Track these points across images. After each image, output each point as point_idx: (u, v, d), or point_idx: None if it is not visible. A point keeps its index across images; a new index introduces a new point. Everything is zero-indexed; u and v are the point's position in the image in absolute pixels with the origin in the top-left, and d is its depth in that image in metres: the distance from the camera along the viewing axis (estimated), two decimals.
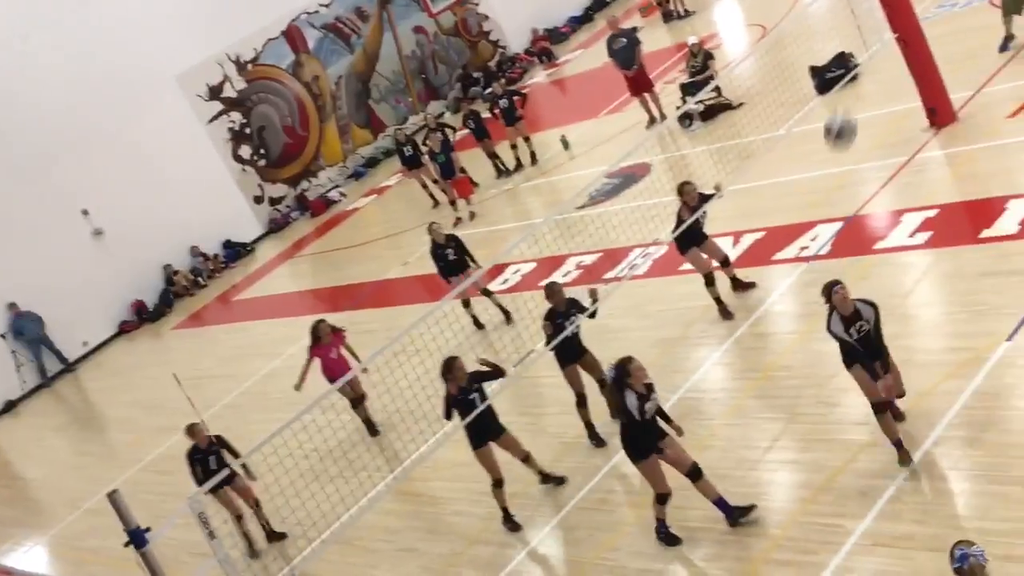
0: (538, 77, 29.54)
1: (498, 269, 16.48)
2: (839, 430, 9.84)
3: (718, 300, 12.64)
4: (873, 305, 9.13)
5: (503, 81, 24.59)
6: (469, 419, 10.18)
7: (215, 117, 27.07)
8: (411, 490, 12.04)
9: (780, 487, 9.68)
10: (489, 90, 26.50)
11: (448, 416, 10.52)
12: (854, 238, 12.94)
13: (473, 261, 15.04)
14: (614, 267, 15.18)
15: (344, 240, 24.00)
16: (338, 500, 10.94)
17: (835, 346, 11.08)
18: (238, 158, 27.43)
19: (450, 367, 10.41)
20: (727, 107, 18.92)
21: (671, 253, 14.42)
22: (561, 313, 11.11)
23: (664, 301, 13.70)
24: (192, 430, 12.28)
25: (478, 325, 15.16)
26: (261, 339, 20.17)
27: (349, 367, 13.30)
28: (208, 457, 12.01)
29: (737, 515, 9.21)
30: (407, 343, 11.08)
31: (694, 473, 9.23)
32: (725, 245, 14.33)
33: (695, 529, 9.45)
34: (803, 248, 13.25)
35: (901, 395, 9.34)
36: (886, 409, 9.02)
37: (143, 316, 25.25)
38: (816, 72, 17.36)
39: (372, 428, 13.67)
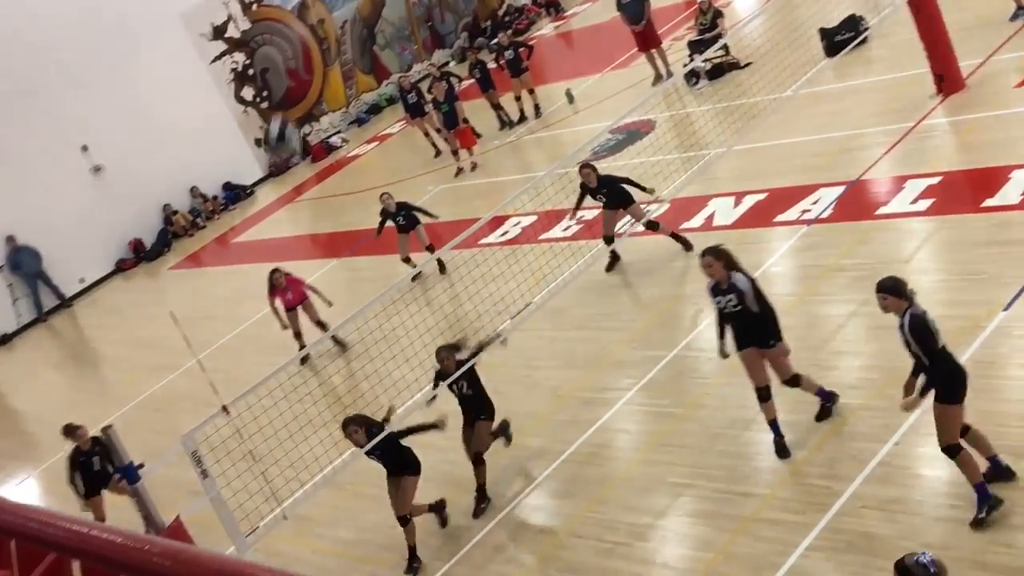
0: (545, 29, 29.32)
1: (498, 221, 16.44)
2: None
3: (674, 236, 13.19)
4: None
5: (509, 32, 24.43)
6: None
7: (218, 57, 26.88)
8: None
9: (772, 447, 9.70)
10: (495, 41, 26.31)
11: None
12: (856, 202, 12.91)
13: (428, 214, 16.14)
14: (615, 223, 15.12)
15: (345, 186, 23.93)
16: (331, 444, 10.99)
17: (833, 309, 11.15)
18: (240, 99, 27.27)
19: (345, 431, 10.05)
20: (734, 66, 18.80)
21: (672, 210, 14.42)
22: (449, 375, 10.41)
23: (663, 259, 13.68)
24: (72, 432, 12.38)
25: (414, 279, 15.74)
26: (258, 282, 20.02)
27: (305, 299, 15.01)
28: (91, 459, 12.12)
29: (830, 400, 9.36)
30: (405, 291, 11.07)
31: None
32: (726, 205, 14.34)
33: (685, 486, 9.51)
34: (804, 211, 13.22)
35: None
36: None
37: (140, 255, 25.24)
38: (825, 34, 17.23)
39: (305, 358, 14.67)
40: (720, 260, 9.13)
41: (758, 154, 15.11)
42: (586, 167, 13.58)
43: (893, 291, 7.68)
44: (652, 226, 13.59)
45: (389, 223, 16.35)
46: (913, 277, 11.16)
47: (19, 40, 23.55)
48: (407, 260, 16.11)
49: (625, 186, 13.45)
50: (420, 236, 16.01)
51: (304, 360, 14.57)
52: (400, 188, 21.47)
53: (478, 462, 10.49)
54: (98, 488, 11.98)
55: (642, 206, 13.50)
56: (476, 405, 10.55)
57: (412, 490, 10.12)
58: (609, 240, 13.72)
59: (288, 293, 15.10)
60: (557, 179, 15.46)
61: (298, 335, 15.02)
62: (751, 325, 9.13)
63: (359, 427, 9.91)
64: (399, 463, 10.11)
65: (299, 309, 15.12)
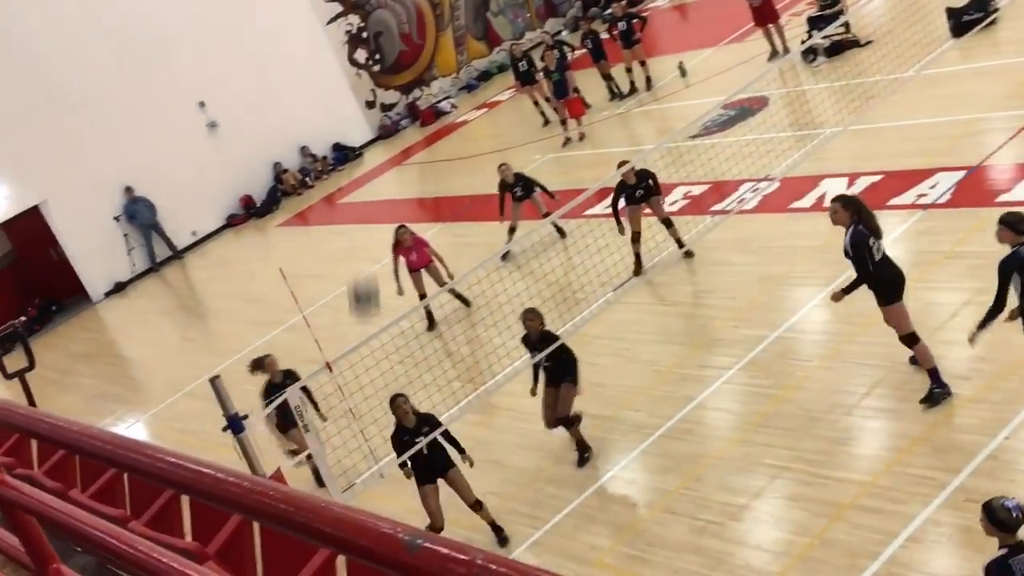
0: (660, 1, 28.97)
1: (605, 192, 16.35)
2: None
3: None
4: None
5: (624, 3, 24.15)
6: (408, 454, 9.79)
7: (334, 19, 27.17)
8: (502, 404, 12.16)
9: (874, 434, 9.53)
10: (609, 11, 26.07)
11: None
12: (976, 189, 12.52)
13: (544, 189, 15.80)
14: (722, 200, 14.95)
15: (452, 152, 24.04)
16: (429, 407, 11.10)
17: (945, 297, 10.85)
18: (353, 62, 27.54)
19: (393, 403, 9.91)
20: (854, 44, 18.33)
21: (782, 189, 14.18)
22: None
23: (770, 238, 13.47)
24: (260, 364, 11.88)
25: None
26: (363, 243, 20.42)
27: (430, 262, 14.46)
28: (284, 391, 11.72)
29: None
30: (509, 259, 11.09)
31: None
32: (839, 186, 14.03)
33: (782, 468, 9.39)
34: (921, 195, 12.86)
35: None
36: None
37: (250, 211, 25.74)
38: (952, 14, 16.69)
39: (431, 322, 14.48)
40: (847, 209, 9.20)
41: (875, 135, 14.74)
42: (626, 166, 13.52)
43: (1011, 226, 8.26)
44: (668, 223, 13.61)
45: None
46: None
47: None
48: (513, 230, 15.95)
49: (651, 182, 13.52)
50: (537, 204, 15.79)
51: (430, 326, 14.46)
52: (508, 156, 21.49)
53: (571, 423, 10.50)
54: (294, 420, 11.43)
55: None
56: (560, 369, 10.55)
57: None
58: (636, 237, 13.64)
59: (412, 253, 14.65)
60: (666, 152, 15.35)
61: (423, 296, 14.37)
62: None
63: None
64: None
65: (423, 272, 14.64)
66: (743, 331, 11.73)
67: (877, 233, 9.25)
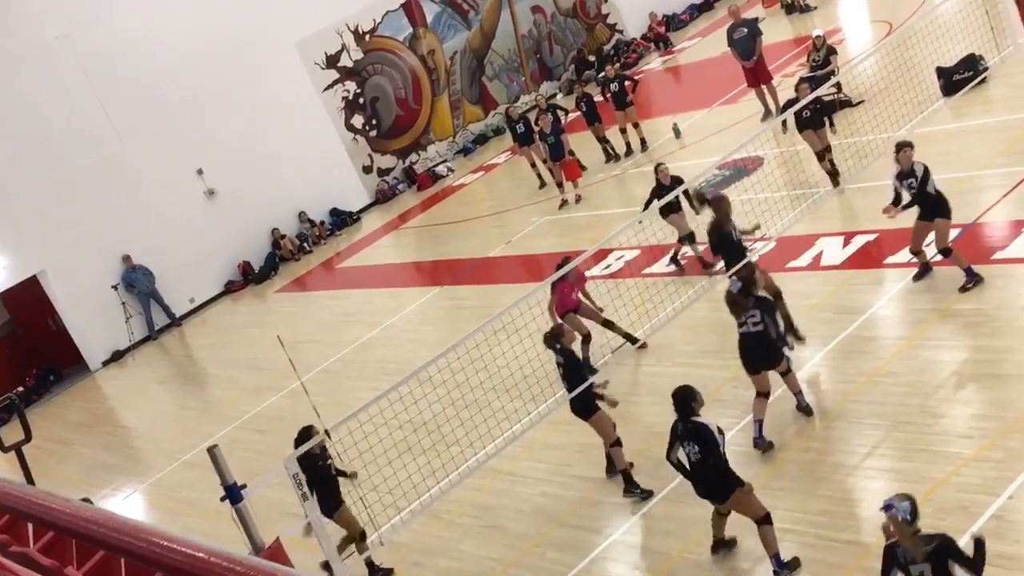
0: (653, 63, 29.28)
1: (602, 254, 16.40)
2: (943, 441, 9.58)
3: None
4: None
5: (617, 65, 24.46)
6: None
7: (331, 85, 27.42)
8: (501, 468, 12.08)
9: (877, 495, 9.41)
10: (602, 73, 26.36)
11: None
12: (971, 246, 12.54)
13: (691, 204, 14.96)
14: (719, 260, 14.94)
15: (449, 215, 24.14)
16: (429, 472, 11.04)
17: (944, 355, 10.83)
18: (350, 127, 27.76)
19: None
20: (847, 104, 18.50)
21: (779, 248, 14.21)
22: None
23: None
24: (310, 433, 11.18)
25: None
26: (361, 307, 20.43)
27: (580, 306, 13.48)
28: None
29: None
30: (507, 321, 11.11)
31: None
32: (835, 245, 14.08)
33: (785, 531, 9.30)
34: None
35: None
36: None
37: (249, 277, 25.78)
38: (943, 73, 16.86)
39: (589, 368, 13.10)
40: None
41: (869, 193, 14.78)
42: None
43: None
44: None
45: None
46: None
47: (144, 66, 24.33)
48: (688, 239, 15.12)
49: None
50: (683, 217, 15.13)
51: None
52: (504, 218, 21.63)
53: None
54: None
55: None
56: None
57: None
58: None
59: (575, 293, 13.47)
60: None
61: (587, 338, 13.46)
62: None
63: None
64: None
65: (575, 315, 13.49)
66: (743, 391, 11.68)
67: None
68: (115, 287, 24.22)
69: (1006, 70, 15.63)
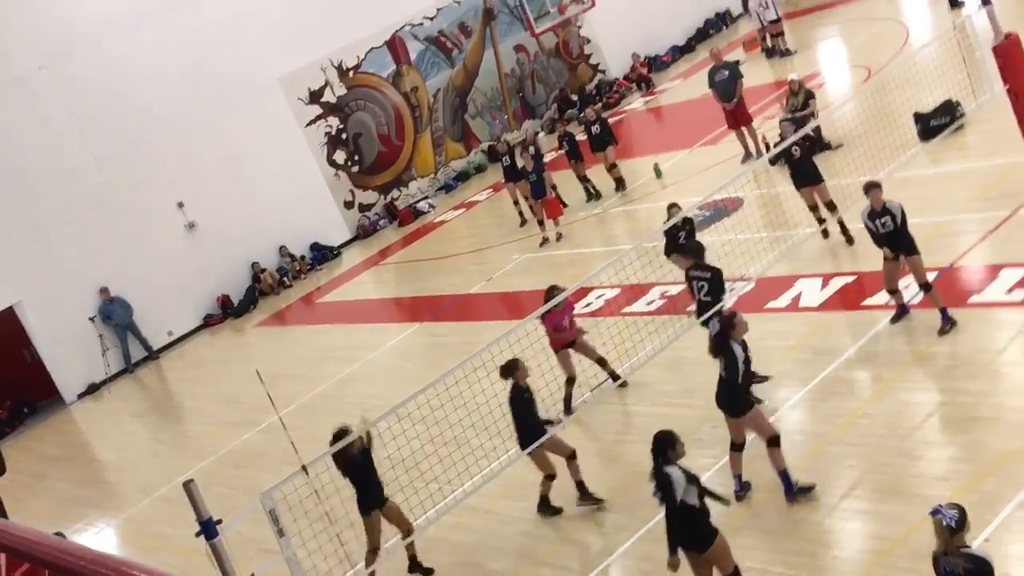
0: (635, 103, 29.51)
1: (582, 292, 16.44)
2: (920, 484, 9.61)
3: None
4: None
5: (598, 106, 24.62)
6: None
7: (313, 121, 27.50)
8: (479, 506, 12.03)
9: (853, 536, 9.48)
10: (583, 113, 26.53)
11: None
12: (948, 289, 12.65)
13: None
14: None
15: (430, 251, 24.17)
16: (406, 510, 10.97)
17: (921, 397, 10.89)
18: (332, 163, 27.81)
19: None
20: (826, 147, 18.67)
21: (757, 289, 14.28)
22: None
23: (746, 338, 13.49)
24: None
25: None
26: (341, 343, 20.38)
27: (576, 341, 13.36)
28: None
29: (797, 493, 9.86)
30: (486, 359, 11.10)
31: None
32: (814, 287, 14.17)
33: (763, 572, 9.30)
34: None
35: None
36: None
37: (228, 311, 25.68)
38: (920, 118, 17.07)
39: (568, 408, 13.31)
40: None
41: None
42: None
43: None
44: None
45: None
46: (1006, 369, 10.94)
47: (125, 98, 24.35)
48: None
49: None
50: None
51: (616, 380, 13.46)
52: (485, 255, 21.67)
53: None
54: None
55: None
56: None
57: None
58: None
59: (565, 320, 13.29)
60: (642, 253, 15.42)
61: (572, 379, 13.34)
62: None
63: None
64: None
65: (570, 351, 13.39)
66: (721, 431, 11.68)
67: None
68: (92, 319, 24.08)
69: (983, 116, 15.83)
